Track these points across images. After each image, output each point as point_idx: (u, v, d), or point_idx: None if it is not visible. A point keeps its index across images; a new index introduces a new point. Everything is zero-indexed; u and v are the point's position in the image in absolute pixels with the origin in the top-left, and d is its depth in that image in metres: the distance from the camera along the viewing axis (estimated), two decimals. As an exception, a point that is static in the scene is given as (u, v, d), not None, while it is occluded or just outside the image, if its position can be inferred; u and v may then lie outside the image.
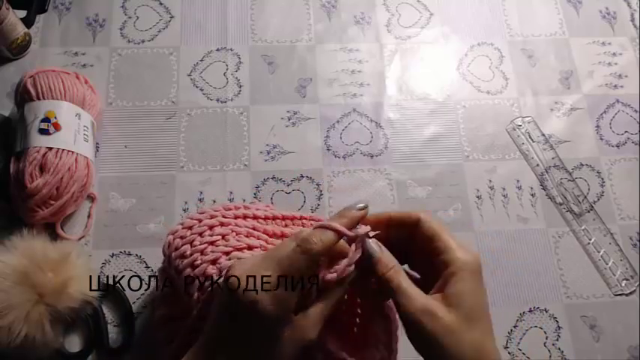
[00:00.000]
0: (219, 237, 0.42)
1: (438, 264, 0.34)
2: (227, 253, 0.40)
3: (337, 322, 0.38)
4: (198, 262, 0.40)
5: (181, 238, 0.43)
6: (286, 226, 0.45)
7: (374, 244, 0.35)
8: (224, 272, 0.37)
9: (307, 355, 0.35)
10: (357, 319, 0.40)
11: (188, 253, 0.42)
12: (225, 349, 0.33)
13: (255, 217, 0.45)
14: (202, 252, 0.41)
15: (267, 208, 0.47)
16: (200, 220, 0.43)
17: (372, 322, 0.40)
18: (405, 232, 0.36)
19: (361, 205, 0.36)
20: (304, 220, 0.45)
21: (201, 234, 0.42)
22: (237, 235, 0.42)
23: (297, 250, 0.33)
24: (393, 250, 0.36)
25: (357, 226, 0.35)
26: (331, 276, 0.34)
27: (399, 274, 0.34)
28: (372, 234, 0.35)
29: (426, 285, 0.34)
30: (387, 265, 0.34)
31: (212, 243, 0.41)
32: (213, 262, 0.40)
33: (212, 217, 0.43)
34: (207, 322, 0.35)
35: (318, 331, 0.34)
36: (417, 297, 0.33)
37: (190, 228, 0.43)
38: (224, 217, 0.43)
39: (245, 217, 0.44)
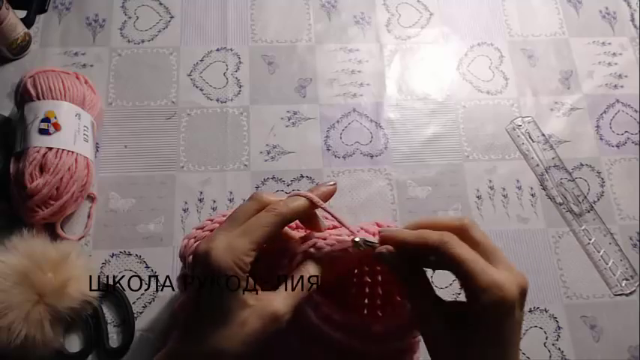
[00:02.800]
0: None
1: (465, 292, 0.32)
2: None
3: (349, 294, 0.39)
4: None
5: (195, 238, 0.42)
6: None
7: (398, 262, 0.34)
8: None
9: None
10: (367, 289, 0.41)
11: None
12: (196, 324, 0.33)
13: None
14: None
15: None
16: (212, 220, 0.43)
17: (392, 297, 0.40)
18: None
19: (332, 182, 0.37)
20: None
21: (212, 231, 0.42)
22: None
23: (256, 208, 0.34)
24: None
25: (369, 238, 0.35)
26: (322, 243, 0.35)
27: (422, 299, 0.34)
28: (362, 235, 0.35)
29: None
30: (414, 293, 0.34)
31: None
32: None
33: (224, 215, 0.43)
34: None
35: (290, 308, 0.33)
36: (429, 323, 0.33)
37: (202, 228, 0.43)
38: None
39: None
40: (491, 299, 0.30)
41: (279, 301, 0.33)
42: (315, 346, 0.36)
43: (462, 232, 0.33)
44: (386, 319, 0.37)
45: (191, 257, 0.40)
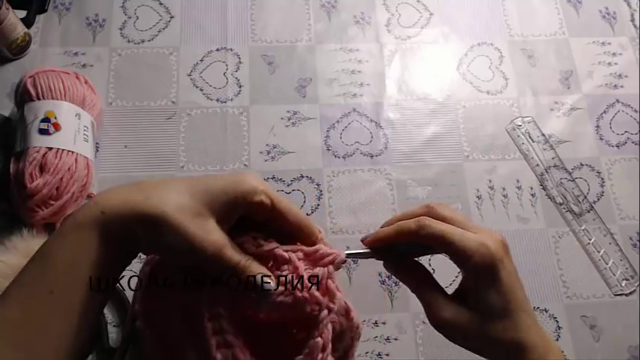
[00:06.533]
0: None
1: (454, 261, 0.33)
2: None
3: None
4: None
5: None
6: None
7: None
8: None
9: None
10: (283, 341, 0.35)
11: None
12: None
13: None
14: None
15: None
16: None
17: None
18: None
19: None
20: None
21: None
22: None
23: None
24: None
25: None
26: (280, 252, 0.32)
27: (424, 289, 0.34)
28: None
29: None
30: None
31: None
32: None
33: None
34: None
35: (218, 246, 0.29)
36: (438, 309, 0.33)
37: None
38: None
39: None
40: (480, 258, 0.31)
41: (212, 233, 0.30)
42: None
43: (431, 215, 0.34)
44: None
45: None
